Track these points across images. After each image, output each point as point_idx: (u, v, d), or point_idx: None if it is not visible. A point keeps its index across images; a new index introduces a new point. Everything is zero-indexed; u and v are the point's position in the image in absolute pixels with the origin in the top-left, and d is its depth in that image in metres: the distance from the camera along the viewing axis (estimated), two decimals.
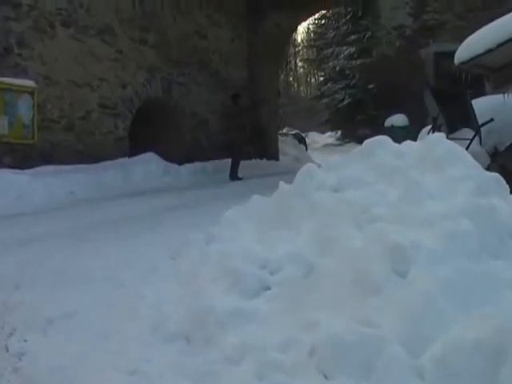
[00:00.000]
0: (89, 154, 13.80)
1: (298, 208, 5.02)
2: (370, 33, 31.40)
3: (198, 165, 16.42)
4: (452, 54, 8.84)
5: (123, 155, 14.70)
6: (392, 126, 13.25)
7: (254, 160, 19.09)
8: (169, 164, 15.29)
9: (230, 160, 16.50)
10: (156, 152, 15.36)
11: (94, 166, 13.40)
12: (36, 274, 5.99)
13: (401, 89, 14.42)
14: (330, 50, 42.21)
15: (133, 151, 15.16)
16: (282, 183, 5.65)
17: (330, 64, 42.60)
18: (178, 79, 17.14)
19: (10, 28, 12.20)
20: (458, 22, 13.99)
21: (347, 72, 41.58)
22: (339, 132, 44.89)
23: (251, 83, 20.49)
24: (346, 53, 41.16)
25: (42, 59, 12.87)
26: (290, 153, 22.92)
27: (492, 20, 13.94)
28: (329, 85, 43.38)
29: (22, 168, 11.84)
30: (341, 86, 41.98)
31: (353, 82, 40.81)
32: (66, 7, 13.43)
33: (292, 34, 24.28)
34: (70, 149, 13.46)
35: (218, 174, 16.43)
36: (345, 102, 41.05)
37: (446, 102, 9.15)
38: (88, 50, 13.97)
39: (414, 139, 13.57)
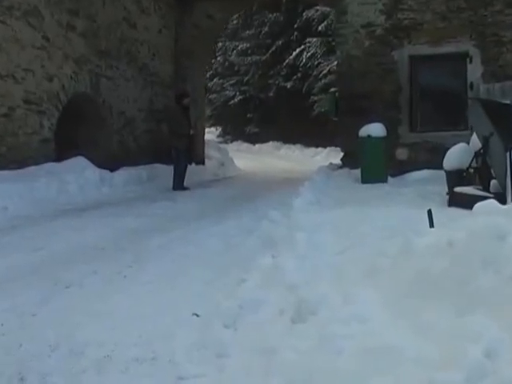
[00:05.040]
0: (11, 157, 11.59)
1: (488, 285, 3.35)
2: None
3: (132, 172, 14.46)
4: None
5: (48, 159, 12.57)
6: (369, 136, 11.79)
7: None
8: (103, 171, 13.28)
9: (161, 166, 15.08)
10: (82, 155, 13.36)
11: (22, 172, 11.28)
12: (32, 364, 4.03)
13: (368, 94, 13.04)
14: (220, 44, 40.76)
15: (57, 154, 13.06)
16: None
17: (219, 59, 41.19)
18: (106, 73, 15.06)
19: None
20: (438, 22, 12.75)
21: (236, 68, 40.38)
22: (220, 129, 43.37)
23: (178, 79, 18.63)
24: (239, 48, 39.97)
25: None
26: (214, 156, 21.18)
27: (473, 22, 12.97)
28: (215, 80, 41.75)
29: None
30: (231, 82, 40.76)
31: (245, 79, 39.67)
32: None
33: (224, 26, 22.42)
34: None
35: (154, 183, 14.68)
36: (236, 100, 39.90)
37: (502, 117, 7.66)
38: (12, 34, 11.71)
39: (389, 152, 12.43)
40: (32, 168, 11.77)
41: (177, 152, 14.30)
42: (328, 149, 31.06)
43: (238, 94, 40.18)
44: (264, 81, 37.95)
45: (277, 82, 36.98)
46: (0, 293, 5.42)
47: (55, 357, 4.07)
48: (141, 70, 16.91)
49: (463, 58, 13.08)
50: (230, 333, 4.31)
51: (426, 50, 13.07)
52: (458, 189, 7.75)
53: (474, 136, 8.52)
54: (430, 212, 4.92)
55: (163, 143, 16.63)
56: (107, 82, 15.13)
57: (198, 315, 4.74)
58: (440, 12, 12.89)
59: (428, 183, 10.84)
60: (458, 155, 8.62)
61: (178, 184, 14.06)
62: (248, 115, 39.17)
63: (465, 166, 8.35)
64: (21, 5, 11.90)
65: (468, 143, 9.17)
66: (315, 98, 31.72)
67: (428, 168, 12.24)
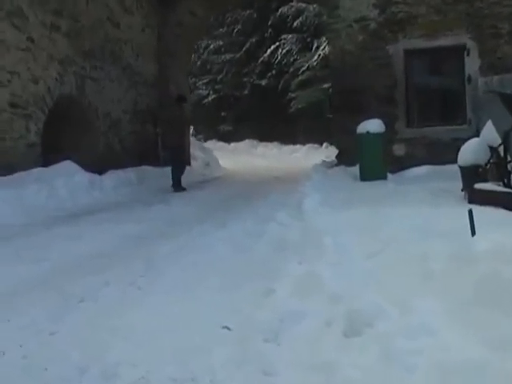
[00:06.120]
0: None
1: None
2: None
3: (121, 174, 14.10)
4: None
5: (36, 164, 12.17)
6: (367, 132, 11.50)
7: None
8: (92, 175, 12.92)
9: (148, 168, 15.13)
10: (68, 158, 12.98)
11: (9, 179, 10.90)
12: None
13: (363, 89, 12.79)
14: None
15: (43, 158, 12.68)
16: None
17: (191, 57, 40.79)
18: (91, 74, 14.66)
19: None
20: (434, 15, 12.52)
21: (209, 67, 39.98)
22: (192, 127, 42.86)
23: (161, 78, 18.27)
24: (211, 47, 39.63)
25: None
26: (199, 156, 20.88)
27: (469, 14, 12.76)
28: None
29: None
30: (204, 81, 40.42)
31: (219, 78, 39.33)
32: None
33: (207, 23, 22.05)
34: None
35: (144, 185, 14.37)
36: (210, 98, 39.57)
37: None
38: None
39: (385, 148, 12.16)
40: (20, 174, 11.39)
41: (174, 152, 14.05)
42: (307, 146, 30.80)
43: (211, 92, 39.81)
44: (238, 79, 37.66)
45: (251, 79, 36.73)
46: (9, 310, 5.06)
47: (86, 381, 3.69)
48: (124, 70, 16.59)
49: (460, 51, 12.88)
50: (274, 347, 3.95)
51: (421, 43, 12.87)
52: (478, 185, 7.49)
53: (485, 130, 8.28)
54: (470, 213, 4.49)
55: (148, 144, 16.33)
56: (92, 83, 14.75)
57: (229, 328, 4.40)
58: (435, 5, 12.69)
59: (430, 180, 10.57)
60: (472, 151, 8.34)
61: (178, 185, 13.82)
62: (222, 113, 38.81)
63: (479, 161, 8.09)
64: (4, 5, 11.48)
65: (470, 138, 8.95)
66: (292, 95, 31.41)
67: (426, 164, 12.03)
